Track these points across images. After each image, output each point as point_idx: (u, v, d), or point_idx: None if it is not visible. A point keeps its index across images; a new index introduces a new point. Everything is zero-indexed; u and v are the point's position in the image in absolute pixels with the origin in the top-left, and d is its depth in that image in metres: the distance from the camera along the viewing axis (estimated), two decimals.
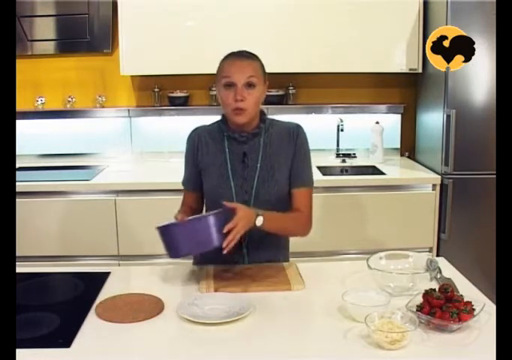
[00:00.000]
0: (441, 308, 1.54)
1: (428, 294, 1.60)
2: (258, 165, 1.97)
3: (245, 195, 1.96)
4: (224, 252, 1.73)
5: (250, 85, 1.88)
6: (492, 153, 3.10)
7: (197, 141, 2.02)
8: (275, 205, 1.98)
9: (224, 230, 1.73)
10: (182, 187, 2.12)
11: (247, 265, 1.99)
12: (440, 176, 3.37)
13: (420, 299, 1.61)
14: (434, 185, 3.38)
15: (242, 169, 1.97)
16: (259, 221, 1.83)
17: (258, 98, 1.92)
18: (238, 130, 1.97)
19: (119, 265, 3.24)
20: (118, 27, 3.43)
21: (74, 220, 3.28)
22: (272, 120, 2.05)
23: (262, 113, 2.02)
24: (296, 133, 2.01)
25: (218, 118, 2.07)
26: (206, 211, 2.10)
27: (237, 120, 1.91)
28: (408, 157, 3.96)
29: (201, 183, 2.04)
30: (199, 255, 2.10)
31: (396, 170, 3.68)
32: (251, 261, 2.01)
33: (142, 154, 3.86)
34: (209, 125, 2.07)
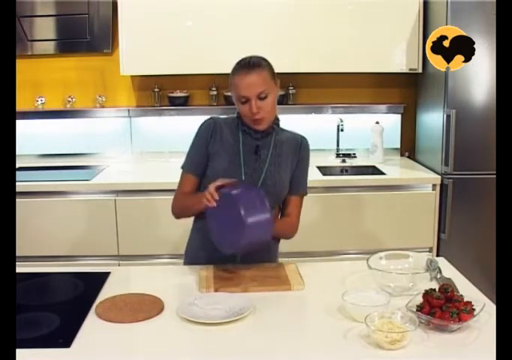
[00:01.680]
0: (441, 308, 1.54)
1: (428, 294, 1.60)
2: (268, 159, 2.03)
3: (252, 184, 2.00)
4: None
5: (262, 97, 1.92)
6: (492, 153, 3.10)
7: (213, 127, 2.04)
8: (275, 199, 2.04)
9: None
10: None
11: (242, 264, 1.99)
12: (440, 176, 3.38)
13: (420, 299, 1.61)
14: (434, 185, 3.38)
15: (254, 160, 2.02)
16: None
17: (273, 102, 1.97)
18: (253, 128, 2.02)
19: (119, 265, 3.24)
20: (118, 27, 3.43)
21: (74, 220, 3.28)
22: (281, 128, 2.10)
23: (275, 117, 2.05)
24: (304, 144, 2.09)
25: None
26: None
27: (257, 128, 1.99)
28: (408, 157, 3.96)
29: (205, 169, 2.04)
30: (190, 256, 2.11)
31: (396, 170, 3.68)
32: (242, 261, 2.01)
33: (142, 154, 3.86)
34: (224, 117, 2.10)
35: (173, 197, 2.07)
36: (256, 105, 1.91)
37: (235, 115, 2.07)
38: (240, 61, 1.97)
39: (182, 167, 2.09)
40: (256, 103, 1.91)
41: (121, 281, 1.91)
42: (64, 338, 1.48)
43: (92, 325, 1.58)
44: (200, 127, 2.07)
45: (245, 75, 1.91)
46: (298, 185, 2.09)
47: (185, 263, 2.13)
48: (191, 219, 2.12)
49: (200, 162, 2.04)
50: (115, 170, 3.64)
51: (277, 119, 2.06)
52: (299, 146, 2.08)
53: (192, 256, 2.12)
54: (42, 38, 3.65)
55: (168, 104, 3.82)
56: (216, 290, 1.79)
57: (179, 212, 2.07)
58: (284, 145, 2.06)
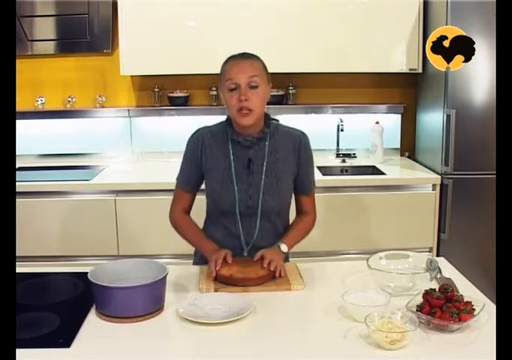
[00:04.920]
0: (441, 308, 1.54)
1: (428, 294, 1.60)
2: (263, 171, 1.96)
3: (248, 200, 1.96)
4: None
5: (253, 85, 1.86)
6: (492, 153, 3.10)
7: (200, 143, 1.99)
8: (277, 212, 2.03)
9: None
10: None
11: None
12: (440, 176, 3.37)
13: (420, 299, 1.61)
14: (434, 185, 3.38)
15: (247, 174, 1.96)
16: (284, 248, 1.95)
17: (263, 98, 1.90)
18: (243, 134, 1.96)
19: None
20: (118, 27, 3.43)
21: (74, 220, 3.28)
22: (277, 125, 2.03)
23: (267, 117, 2.00)
24: (303, 143, 2.02)
25: (218, 118, 2.06)
26: (209, 213, 2.10)
27: (243, 121, 1.89)
28: (408, 157, 3.96)
29: (200, 184, 2.04)
30: (199, 255, 2.11)
31: (396, 170, 3.68)
32: None
33: (142, 154, 3.86)
34: (211, 126, 2.04)
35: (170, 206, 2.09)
36: (245, 93, 1.84)
37: (224, 119, 2.02)
38: (231, 55, 1.95)
39: (177, 179, 2.08)
40: (246, 91, 1.84)
41: None
42: (64, 338, 1.48)
43: (92, 325, 1.58)
44: (189, 141, 2.03)
45: (238, 61, 1.88)
46: (307, 185, 2.06)
47: (194, 263, 2.12)
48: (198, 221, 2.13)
49: (192, 177, 2.03)
50: (115, 170, 3.64)
51: (268, 118, 1.99)
52: (299, 146, 2.00)
53: (201, 257, 2.09)
54: (42, 38, 3.64)
55: (168, 104, 3.82)
56: (216, 290, 1.79)
57: (177, 231, 2.09)
58: (280, 149, 1.98)
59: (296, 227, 2.06)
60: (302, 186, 2.05)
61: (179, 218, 2.07)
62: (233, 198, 1.95)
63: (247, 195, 1.96)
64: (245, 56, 1.91)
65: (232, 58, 1.92)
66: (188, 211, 2.09)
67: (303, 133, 2.04)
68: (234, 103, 1.86)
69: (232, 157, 1.96)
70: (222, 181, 1.96)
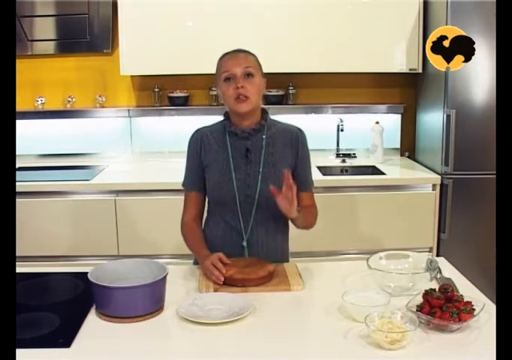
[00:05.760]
0: (441, 308, 1.54)
1: (428, 294, 1.60)
2: (261, 161, 1.99)
3: (247, 189, 1.98)
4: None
5: (248, 74, 1.93)
6: (492, 153, 3.10)
7: (200, 141, 2.04)
8: (276, 202, 2.00)
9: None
10: (181, 187, 2.12)
11: None
12: (440, 176, 3.37)
13: (420, 299, 1.61)
14: (434, 185, 3.38)
15: (244, 164, 1.99)
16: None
17: (258, 87, 1.96)
18: (240, 126, 1.99)
19: None
20: (118, 27, 3.43)
21: (74, 220, 3.28)
22: (274, 120, 2.07)
23: (264, 111, 2.05)
24: (300, 138, 2.05)
25: (218, 118, 2.08)
26: (209, 210, 2.10)
27: (240, 108, 1.93)
28: (408, 157, 3.96)
29: (205, 183, 2.05)
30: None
31: (396, 170, 3.68)
32: None
33: (142, 154, 3.86)
34: (210, 125, 2.09)
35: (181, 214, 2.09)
36: (241, 82, 1.90)
37: (221, 119, 2.06)
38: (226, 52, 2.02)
39: (183, 185, 2.10)
40: (241, 80, 1.91)
41: None
42: (64, 338, 1.48)
43: (92, 325, 1.58)
44: (189, 142, 2.07)
45: (233, 55, 1.96)
46: (305, 182, 2.07)
47: (194, 263, 2.11)
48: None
49: (197, 177, 2.05)
50: (115, 170, 3.64)
51: (265, 113, 2.04)
52: (296, 140, 2.03)
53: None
54: (42, 38, 3.65)
55: (168, 104, 3.82)
56: (216, 290, 1.79)
57: (182, 237, 2.08)
58: (277, 141, 2.02)
59: (303, 209, 2.03)
60: (301, 182, 2.05)
61: (187, 226, 2.08)
62: (232, 188, 1.98)
63: (245, 184, 1.98)
64: (239, 51, 1.99)
65: (227, 54, 1.99)
66: (198, 215, 2.10)
67: (300, 130, 2.08)
68: (231, 93, 1.92)
69: (230, 148, 2.00)
70: (221, 172, 1.99)
